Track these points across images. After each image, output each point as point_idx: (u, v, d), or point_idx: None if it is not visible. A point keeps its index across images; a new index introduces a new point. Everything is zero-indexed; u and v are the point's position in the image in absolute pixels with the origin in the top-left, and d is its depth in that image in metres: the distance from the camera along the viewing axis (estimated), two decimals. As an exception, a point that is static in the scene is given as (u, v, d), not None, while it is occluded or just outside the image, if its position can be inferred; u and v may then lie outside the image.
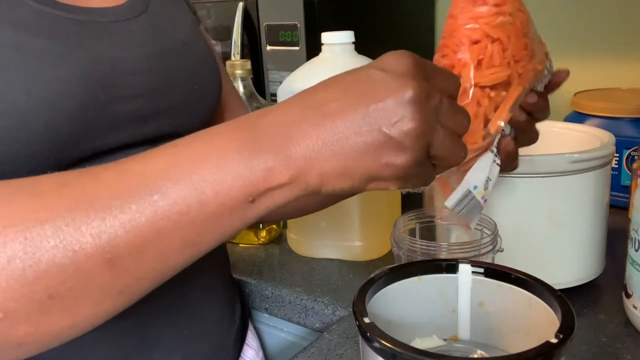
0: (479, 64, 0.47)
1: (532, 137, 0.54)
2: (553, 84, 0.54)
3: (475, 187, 0.48)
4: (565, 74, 0.53)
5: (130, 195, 0.33)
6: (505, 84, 0.48)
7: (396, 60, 0.36)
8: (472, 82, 0.47)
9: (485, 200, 0.49)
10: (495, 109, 0.48)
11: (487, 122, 0.48)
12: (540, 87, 0.52)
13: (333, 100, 0.35)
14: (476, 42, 0.47)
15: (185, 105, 0.57)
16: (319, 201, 0.69)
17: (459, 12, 0.49)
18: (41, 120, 0.44)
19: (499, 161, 0.50)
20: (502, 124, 0.48)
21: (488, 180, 0.49)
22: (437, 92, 0.37)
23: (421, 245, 0.58)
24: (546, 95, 0.53)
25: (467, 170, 0.49)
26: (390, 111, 0.34)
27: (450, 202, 0.48)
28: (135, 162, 0.35)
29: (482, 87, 0.47)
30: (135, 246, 0.33)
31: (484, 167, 0.48)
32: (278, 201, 0.36)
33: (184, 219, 0.33)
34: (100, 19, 0.50)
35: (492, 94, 0.48)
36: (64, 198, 0.33)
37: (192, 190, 0.33)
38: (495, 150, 0.49)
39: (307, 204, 0.68)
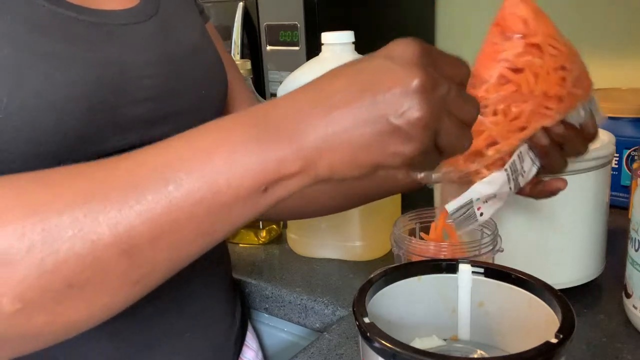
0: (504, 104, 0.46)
1: (556, 165, 0.52)
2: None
3: (477, 199, 0.48)
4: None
5: (146, 186, 0.33)
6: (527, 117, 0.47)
7: (403, 48, 0.36)
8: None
9: (482, 214, 0.49)
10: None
11: (493, 143, 0.48)
12: (574, 121, 0.50)
13: (340, 90, 0.36)
14: (502, 77, 0.46)
15: (192, 110, 0.57)
16: (341, 204, 0.69)
17: (487, 46, 0.48)
18: (50, 121, 0.44)
19: (512, 186, 0.49)
20: (490, 152, 0.47)
21: (492, 196, 0.48)
22: (445, 80, 0.36)
23: (421, 245, 0.58)
24: (581, 133, 0.51)
25: (469, 180, 0.48)
26: (396, 101, 0.34)
27: (451, 207, 0.48)
28: (148, 154, 0.35)
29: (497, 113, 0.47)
30: (151, 236, 0.33)
31: (494, 183, 0.48)
32: (290, 190, 0.36)
33: (198, 209, 0.34)
34: (111, 22, 0.50)
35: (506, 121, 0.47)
36: (80, 189, 0.33)
37: (205, 181, 0.34)
38: (509, 170, 0.48)
39: (330, 201, 0.68)
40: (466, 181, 0.49)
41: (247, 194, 0.35)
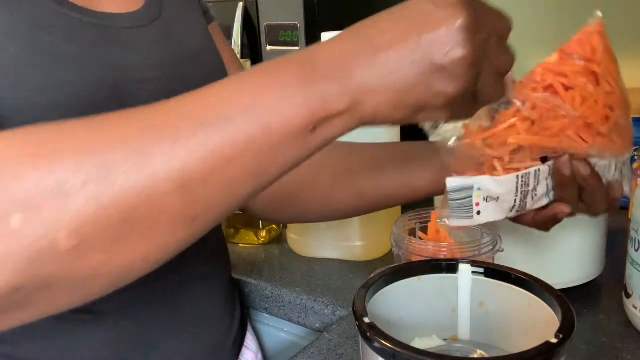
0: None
1: (567, 198, 0.51)
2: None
3: (479, 189, 0.48)
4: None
5: (196, 124, 0.33)
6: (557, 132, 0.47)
7: None
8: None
9: (479, 213, 0.48)
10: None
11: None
12: (602, 173, 0.50)
13: (385, 32, 0.36)
14: (553, 88, 0.47)
15: None
16: (363, 205, 0.68)
17: (551, 57, 0.48)
18: (52, 120, 0.44)
19: (518, 200, 0.49)
20: (512, 140, 0.47)
21: (494, 198, 0.48)
22: (487, 26, 0.37)
23: (421, 245, 0.58)
24: (605, 190, 0.51)
25: (487, 165, 0.48)
26: (442, 40, 0.35)
27: (452, 182, 0.47)
28: (196, 96, 0.35)
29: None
30: (204, 173, 0.33)
31: (501, 184, 0.47)
32: (336, 131, 0.36)
33: (249, 146, 0.34)
34: (115, 25, 0.51)
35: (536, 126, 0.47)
36: (131, 127, 0.33)
37: (255, 119, 0.34)
38: (520, 180, 0.48)
39: (350, 205, 0.67)
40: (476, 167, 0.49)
41: (296, 133, 0.35)
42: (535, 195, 0.50)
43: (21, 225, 0.30)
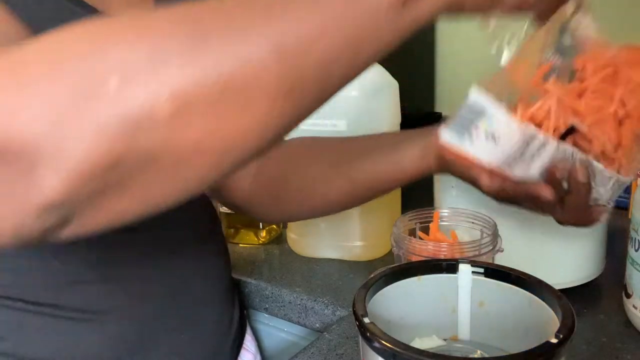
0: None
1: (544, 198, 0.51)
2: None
3: (489, 119, 0.46)
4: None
5: None
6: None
7: None
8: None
9: (471, 141, 0.47)
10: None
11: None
12: (599, 185, 0.50)
13: None
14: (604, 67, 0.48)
15: None
16: (361, 194, 0.68)
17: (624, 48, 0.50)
18: None
19: (510, 153, 0.48)
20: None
21: (494, 139, 0.47)
22: None
23: (421, 245, 0.58)
24: (589, 208, 0.51)
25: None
26: None
27: (474, 94, 0.46)
28: None
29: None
30: (299, 43, 0.33)
31: (509, 128, 0.46)
32: (424, 9, 0.36)
33: (342, 20, 0.34)
34: None
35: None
36: (224, 3, 0.33)
37: None
38: (528, 134, 0.47)
39: (350, 195, 0.67)
40: None
41: (386, 7, 0.35)
42: (532, 161, 0.49)
43: (119, 88, 0.28)
